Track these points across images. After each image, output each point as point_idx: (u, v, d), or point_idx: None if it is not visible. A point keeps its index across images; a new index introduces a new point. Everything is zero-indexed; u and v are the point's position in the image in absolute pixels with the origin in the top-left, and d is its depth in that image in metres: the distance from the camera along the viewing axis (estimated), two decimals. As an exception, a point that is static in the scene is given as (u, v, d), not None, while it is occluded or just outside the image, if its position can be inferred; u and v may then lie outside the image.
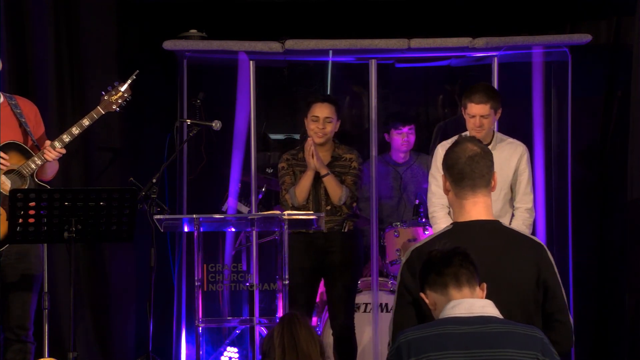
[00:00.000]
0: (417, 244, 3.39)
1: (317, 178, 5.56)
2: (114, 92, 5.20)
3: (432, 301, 3.04)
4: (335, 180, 5.56)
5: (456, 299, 2.98)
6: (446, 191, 3.42)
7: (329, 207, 5.53)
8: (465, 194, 3.35)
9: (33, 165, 4.97)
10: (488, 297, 3.05)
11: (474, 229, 3.32)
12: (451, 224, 3.41)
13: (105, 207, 4.68)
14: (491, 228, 3.34)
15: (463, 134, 5.33)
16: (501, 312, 3.02)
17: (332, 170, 5.56)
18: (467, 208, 3.36)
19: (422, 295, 3.07)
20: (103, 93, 5.20)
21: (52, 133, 5.36)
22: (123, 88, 5.22)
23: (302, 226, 5.35)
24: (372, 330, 5.90)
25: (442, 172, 5.21)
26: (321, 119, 5.54)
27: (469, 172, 3.34)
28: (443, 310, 2.99)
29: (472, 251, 3.09)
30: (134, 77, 5.25)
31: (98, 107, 5.15)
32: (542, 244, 3.39)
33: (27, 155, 4.99)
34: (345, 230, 5.60)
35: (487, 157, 3.37)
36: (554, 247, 6.28)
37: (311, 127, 5.57)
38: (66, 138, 5.04)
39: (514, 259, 3.22)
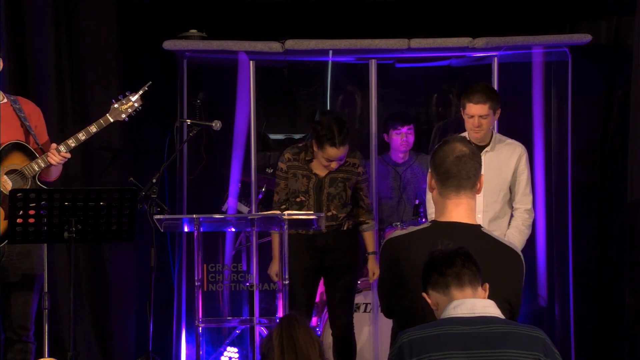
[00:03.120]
0: (393, 235, 3.39)
1: (321, 184, 5.54)
2: (124, 102, 5.20)
3: (434, 301, 3.04)
4: (372, 236, 5.70)
5: (458, 299, 2.98)
6: (431, 189, 3.41)
7: (330, 213, 5.51)
8: (449, 194, 3.33)
9: (36, 167, 4.97)
10: None
11: (451, 230, 3.30)
12: (430, 221, 3.41)
13: (105, 207, 4.68)
14: (470, 232, 3.31)
15: (462, 134, 5.33)
16: None
17: (336, 175, 5.53)
18: (449, 208, 3.33)
19: (424, 295, 3.06)
20: (113, 101, 5.20)
21: (52, 133, 5.36)
22: (134, 98, 5.21)
23: (302, 226, 5.35)
24: (371, 330, 5.91)
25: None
26: (334, 162, 5.44)
27: (455, 173, 3.31)
28: (445, 311, 2.99)
29: None
30: (146, 88, 5.24)
31: (107, 115, 5.15)
32: (520, 255, 3.35)
33: (30, 156, 4.99)
34: (345, 229, 5.60)
35: (474, 159, 3.35)
36: (554, 247, 6.29)
37: (323, 162, 5.44)
38: (72, 143, 5.04)
39: (489, 265, 3.18)
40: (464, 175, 3.31)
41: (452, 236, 3.23)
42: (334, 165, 5.44)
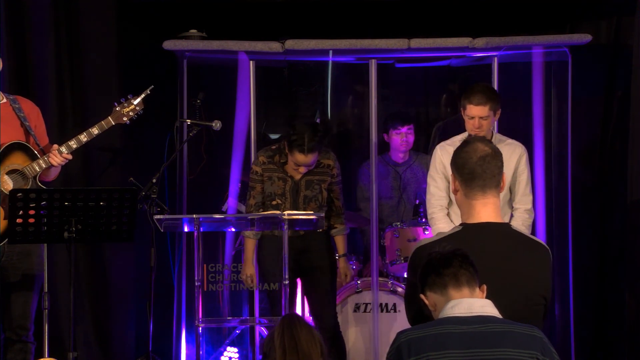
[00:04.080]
0: (422, 243, 3.38)
1: (297, 187, 5.53)
2: (126, 105, 5.21)
3: (432, 302, 3.04)
4: (343, 239, 5.69)
5: (456, 299, 2.99)
6: (455, 191, 3.40)
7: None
8: (475, 195, 3.33)
9: (37, 168, 4.98)
10: (496, 299, 3.04)
11: (484, 231, 3.31)
12: (460, 224, 3.39)
13: (105, 207, 4.69)
14: (501, 231, 3.33)
15: (462, 134, 5.33)
16: (508, 315, 3.02)
17: (311, 177, 5.53)
18: (477, 209, 3.34)
19: (422, 296, 3.06)
20: (115, 104, 5.21)
21: (52, 133, 5.37)
22: (136, 101, 5.22)
23: (302, 226, 5.33)
24: (371, 330, 5.90)
25: (440, 174, 5.28)
26: (302, 167, 5.46)
27: (480, 173, 3.32)
28: (442, 310, 2.99)
29: (481, 254, 3.09)
30: (148, 92, 5.25)
31: (109, 117, 5.16)
32: (548, 248, 3.38)
33: (32, 157, 4.99)
34: (320, 230, 5.59)
35: (497, 158, 3.36)
36: (554, 247, 6.28)
37: (292, 166, 5.48)
38: (73, 144, 5.05)
39: (523, 263, 3.21)
40: (489, 175, 3.32)
41: (483, 237, 3.26)
42: (302, 170, 5.47)
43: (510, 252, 3.21)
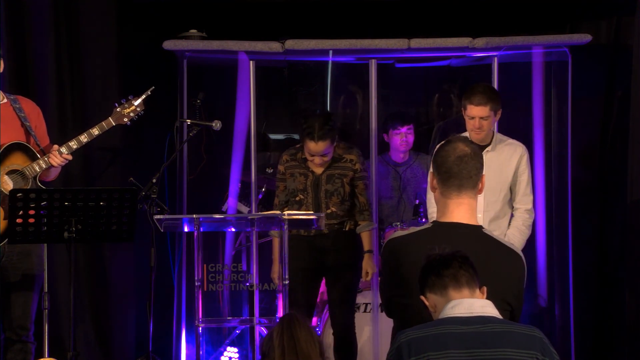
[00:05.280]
0: (394, 235, 3.39)
1: (318, 181, 5.54)
2: (127, 105, 5.22)
3: (432, 303, 3.04)
4: (368, 235, 5.64)
5: (456, 300, 2.99)
6: (433, 189, 3.41)
7: (329, 211, 5.50)
8: (451, 194, 3.33)
9: (37, 168, 4.98)
10: None
11: (452, 230, 3.29)
12: (431, 222, 3.40)
13: (105, 207, 4.69)
14: (471, 233, 3.31)
15: (463, 134, 5.33)
16: None
17: (332, 172, 5.55)
18: (450, 208, 3.33)
19: (422, 298, 3.06)
20: (116, 105, 5.21)
21: (52, 133, 5.36)
22: (137, 102, 5.23)
23: (302, 226, 5.35)
24: (371, 330, 5.90)
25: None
26: (317, 158, 5.48)
27: (456, 172, 3.31)
28: (443, 310, 2.99)
29: None
30: (149, 92, 5.26)
31: (110, 118, 5.17)
32: (521, 256, 3.35)
33: (32, 157, 4.99)
34: (347, 229, 5.59)
35: (476, 159, 3.34)
36: (554, 247, 6.29)
37: (308, 157, 5.51)
38: (73, 145, 5.05)
39: (489, 266, 3.18)
40: (465, 175, 3.30)
41: (452, 237, 3.23)
42: (317, 161, 5.47)
43: (476, 254, 3.17)
